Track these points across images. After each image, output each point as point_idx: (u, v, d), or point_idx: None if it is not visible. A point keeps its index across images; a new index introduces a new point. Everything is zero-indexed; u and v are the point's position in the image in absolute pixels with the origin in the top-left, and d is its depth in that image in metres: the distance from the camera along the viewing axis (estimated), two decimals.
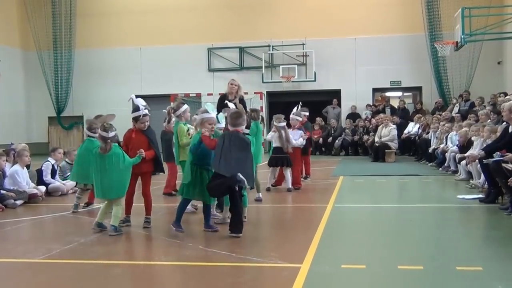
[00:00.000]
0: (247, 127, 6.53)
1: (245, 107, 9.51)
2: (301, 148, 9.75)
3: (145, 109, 6.24)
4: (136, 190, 6.48)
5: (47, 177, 9.31)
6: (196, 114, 6.29)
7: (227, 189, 5.70)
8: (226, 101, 7.45)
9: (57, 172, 9.59)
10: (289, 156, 9.19)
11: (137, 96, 6.46)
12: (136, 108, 6.28)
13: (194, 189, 5.84)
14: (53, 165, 9.45)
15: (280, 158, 9.18)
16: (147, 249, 5.64)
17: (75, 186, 8.33)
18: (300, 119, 9.83)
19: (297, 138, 9.47)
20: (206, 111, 6.00)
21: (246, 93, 17.15)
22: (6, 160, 8.76)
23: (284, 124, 9.05)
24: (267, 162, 9.49)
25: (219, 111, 6.96)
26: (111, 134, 5.88)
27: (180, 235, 5.76)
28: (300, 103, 10.70)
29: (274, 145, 9.25)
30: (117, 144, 6.01)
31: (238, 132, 5.81)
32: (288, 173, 9.34)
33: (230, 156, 5.60)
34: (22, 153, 8.87)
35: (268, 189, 9.32)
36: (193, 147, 5.89)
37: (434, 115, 15.88)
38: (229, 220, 6.31)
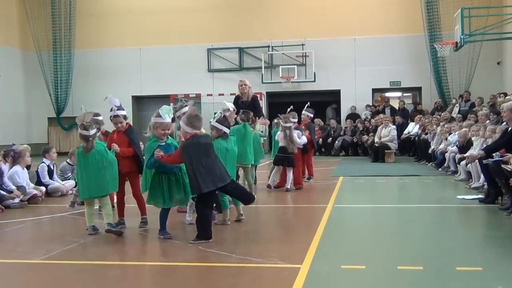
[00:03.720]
0: (228, 127, 6.46)
1: (257, 106, 9.57)
2: (301, 148, 9.75)
3: (117, 109, 6.14)
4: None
5: (45, 179, 9.32)
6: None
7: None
8: (224, 101, 7.44)
9: (54, 171, 9.59)
10: (292, 157, 9.23)
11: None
12: (111, 109, 6.20)
13: (169, 198, 5.65)
14: (48, 166, 9.45)
15: (285, 157, 9.24)
16: (147, 250, 5.64)
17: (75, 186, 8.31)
18: (295, 120, 9.81)
19: (299, 137, 9.47)
20: (159, 115, 5.65)
21: None
22: (6, 160, 8.77)
23: (290, 124, 9.09)
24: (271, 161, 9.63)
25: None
26: (92, 132, 5.81)
27: (180, 236, 5.76)
28: (308, 103, 10.80)
29: (280, 144, 9.31)
30: (99, 141, 5.96)
31: (197, 135, 5.45)
32: (290, 173, 9.36)
33: (205, 168, 5.31)
34: (24, 154, 8.87)
35: (268, 187, 9.35)
36: (150, 163, 5.55)
37: (434, 116, 15.89)
38: (229, 222, 6.33)
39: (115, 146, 6.03)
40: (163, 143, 5.72)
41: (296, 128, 9.70)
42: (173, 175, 5.68)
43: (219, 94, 20.05)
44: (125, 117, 6.26)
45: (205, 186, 5.31)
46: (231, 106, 7.62)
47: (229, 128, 6.40)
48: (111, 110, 6.21)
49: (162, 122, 5.67)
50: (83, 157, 5.83)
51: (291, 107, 10.05)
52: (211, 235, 5.52)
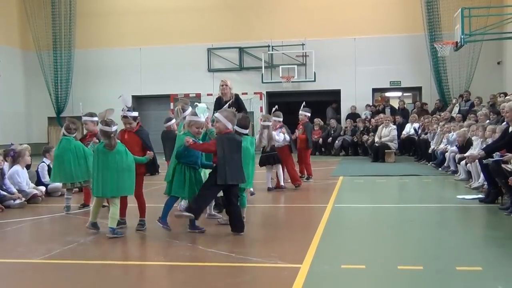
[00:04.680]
0: (246, 127, 6.45)
1: (242, 105, 9.54)
2: (289, 145, 9.71)
3: (127, 110, 6.14)
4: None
5: (45, 178, 9.33)
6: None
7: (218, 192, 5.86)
8: (196, 103, 7.41)
9: None
10: (277, 154, 9.29)
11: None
12: (122, 108, 6.23)
13: (183, 188, 5.81)
14: (48, 165, 9.45)
15: (269, 156, 9.32)
16: (146, 250, 5.64)
17: (62, 187, 8.22)
18: (280, 119, 9.74)
19: (277, 134, 9.42)
20: (195, 114, 5.97)
21: (245, 93, 17.26)
22: (6, 160, 8.77)
23: (268, 123, 8.99)
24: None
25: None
26: (114, 128, 5.80)
27: (180, 236, 5.77)
28: (304, 103, 10.81)
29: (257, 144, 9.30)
30: (119, 141, 5.96)
31: (231, 132, 5.88)
32: (279, 169, 9.39)
33: (234, 162, 5.71)
34: (24, 153, 8.87)
35: (269, 189, 9.36)
36: (179, 152, 5.84)
37: (434, 115, 15.89)
38: None
39: (151, 155, 6.10)
40: (197, 139, 5.91)
41: (281, 127, 9.67)
42: (193, 170, 5.87)
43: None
44: (134, 119, 6.25)
45: (230, 178, 5.65)
46: (203, 106, 7.55)
47: (246, 129, 6.35)
48: (122, 110, 6.23)
49: (197, 120, 5.95)
50: (103, 155, 5.79)
51: (276, 106, 9.96)
52: (199, 215, 5.74)
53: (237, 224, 5.81)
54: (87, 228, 6.05)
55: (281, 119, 9.74)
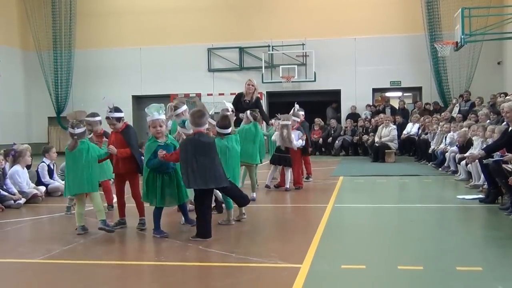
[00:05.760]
0: (226, 127, 6.34)
1: (261, 109, 9.66)
2: (301, 148, 9.72)
3: (109, 111, 6.13)
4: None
5: (45, 178, 9.31)
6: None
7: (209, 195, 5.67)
8: (224, 101, 7.45)
9: (54, 171, 9.59)
10: (289, 156, 9.21)
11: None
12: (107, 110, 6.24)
13: (161, 197, 5.70)
14: (48, 165, 9.45)
15: (283, 157, 9.22)
16: (147, 250, 5.63)
17: None
18: (298, 119, 9.74)
19: (296, 139, 9.45)
20: (147, 114, 5.76)
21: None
22: (6, 160, 8.76)
23: (289, 123, 9.05)
24: (269, 160, 9.69)
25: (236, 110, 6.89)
26: (77, 130, 5.88)
27: (180, 235, 5.77)
28: (296, 103, 10.69)
29: (277, 144, 9.29)
30: (84, 140, 5.99)
31: (200, 133, 5.55)
32: (288, 173, 9.36)
33: (199, 165, 5.36)
34: (25, 153, 8.87)
35: (267, 187, 9.35)
36: (151, 163, 5.60)
37: (434, 116, 15.89)
38: (233, 223, 6.33)
39: (113, 149, 6.04)
40: (163, 143, 5.74)
41: (297, 129, 9.65)
42: (167, 175, 5.74)
43: (219, 94, 20.06)
44: (118, 119, 6.21)
45: (194, 183, 5.36)
46: (230, 106, 7.59)
47: (225, 128, 6.35)
48: (107, 111, 6.25)
49: (152, 119, 5.75)
50: (67, 154, 5.98)
51: (297, 105, 9.91)
52: (210, 233, 5.55)
53: (238, 199, 5.75)
54: (76, 233, 5.98)
55: (299, 119, 9.72)
